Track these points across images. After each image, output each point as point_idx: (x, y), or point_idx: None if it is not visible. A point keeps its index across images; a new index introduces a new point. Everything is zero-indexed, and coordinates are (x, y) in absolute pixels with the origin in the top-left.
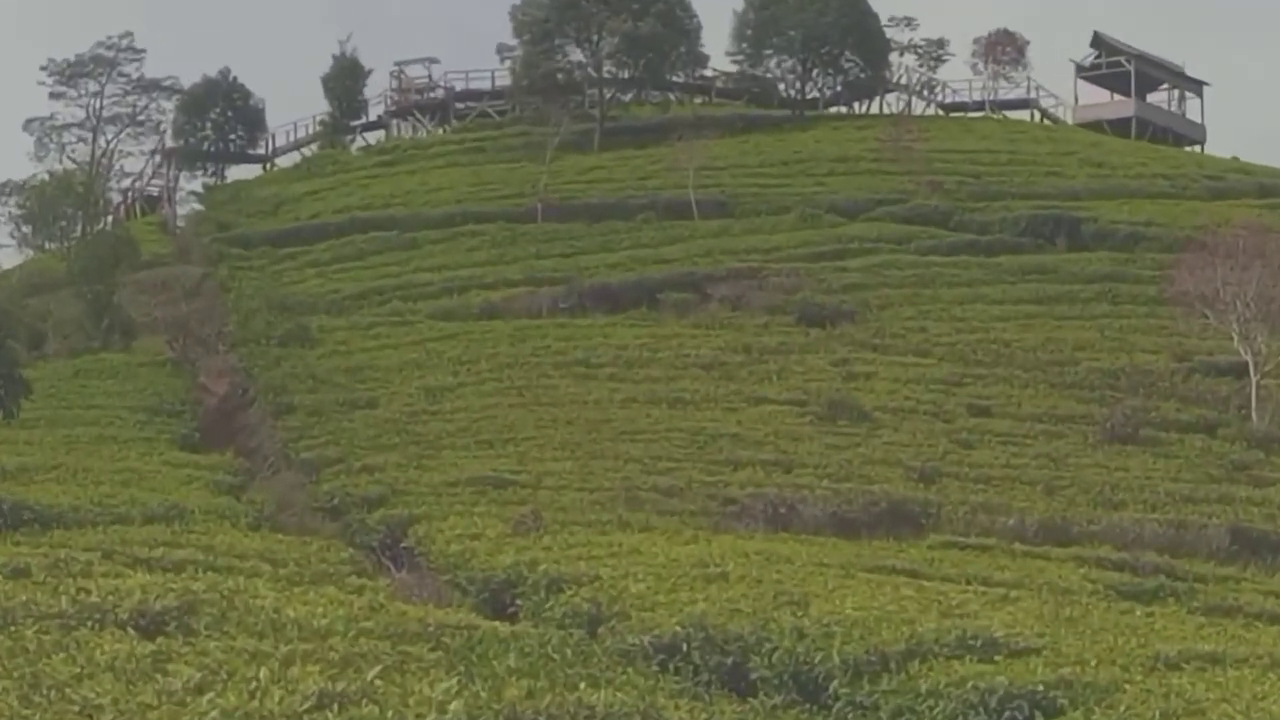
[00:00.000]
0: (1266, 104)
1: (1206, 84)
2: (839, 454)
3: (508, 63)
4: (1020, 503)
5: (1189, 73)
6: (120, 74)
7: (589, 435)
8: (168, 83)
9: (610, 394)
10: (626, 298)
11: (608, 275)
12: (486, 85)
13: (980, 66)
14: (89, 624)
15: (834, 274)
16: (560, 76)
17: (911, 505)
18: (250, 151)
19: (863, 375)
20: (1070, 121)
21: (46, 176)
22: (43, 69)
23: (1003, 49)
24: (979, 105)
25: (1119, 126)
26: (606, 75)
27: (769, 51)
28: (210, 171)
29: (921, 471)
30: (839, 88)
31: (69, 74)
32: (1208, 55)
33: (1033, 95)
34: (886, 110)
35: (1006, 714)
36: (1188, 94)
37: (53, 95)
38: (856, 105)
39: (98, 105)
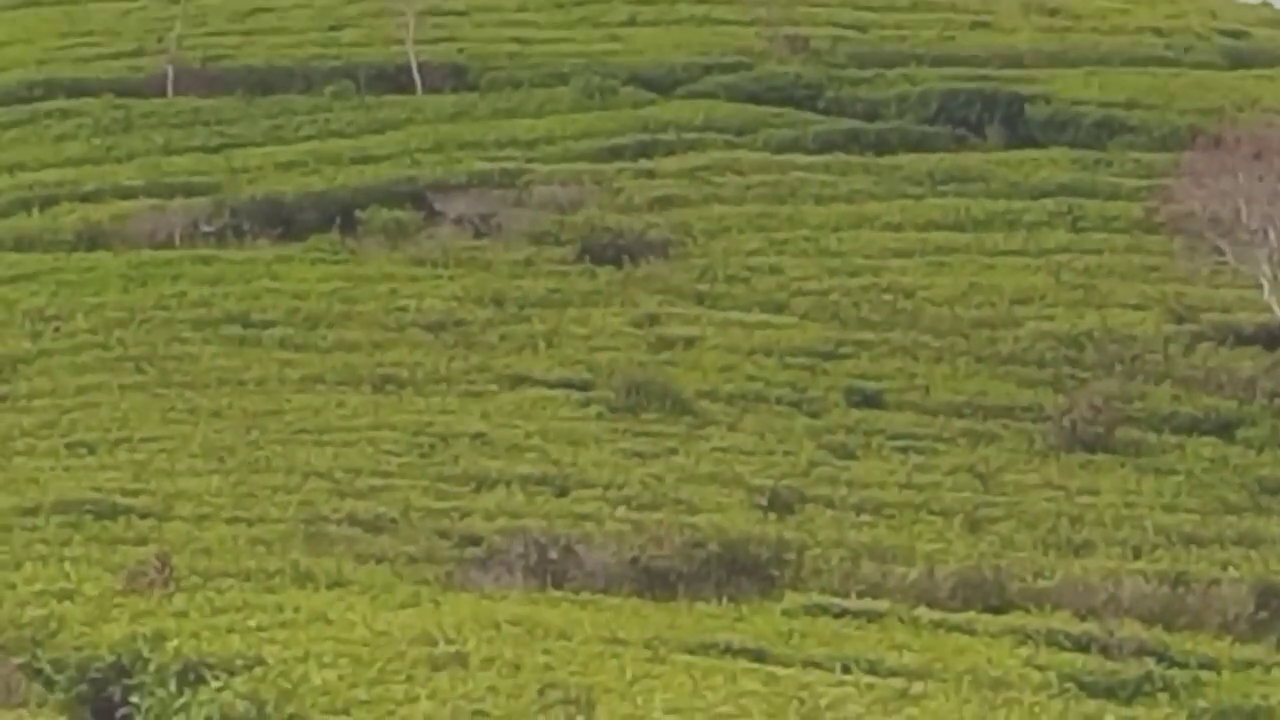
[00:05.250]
0: None
1: None
2: (643, 467)
3: None
4: (929, 544)
5: None
6: None
7: (248, 436)
8: None
9: (282, 370)
10: (308, 218)
11: (278, 182)
12: None
13: None
14: None
15: (636, 182)
16: None
17: (758, 548)
18: None
19: (681, 342)
20: None
21: None
22: None
23: None
24: None
25: None
26: None
27: None
28: None
29: (774, 495)
30: None
31: None
32: None
33: None
34: None
35: None
36: None
37: None
38: None
39: None
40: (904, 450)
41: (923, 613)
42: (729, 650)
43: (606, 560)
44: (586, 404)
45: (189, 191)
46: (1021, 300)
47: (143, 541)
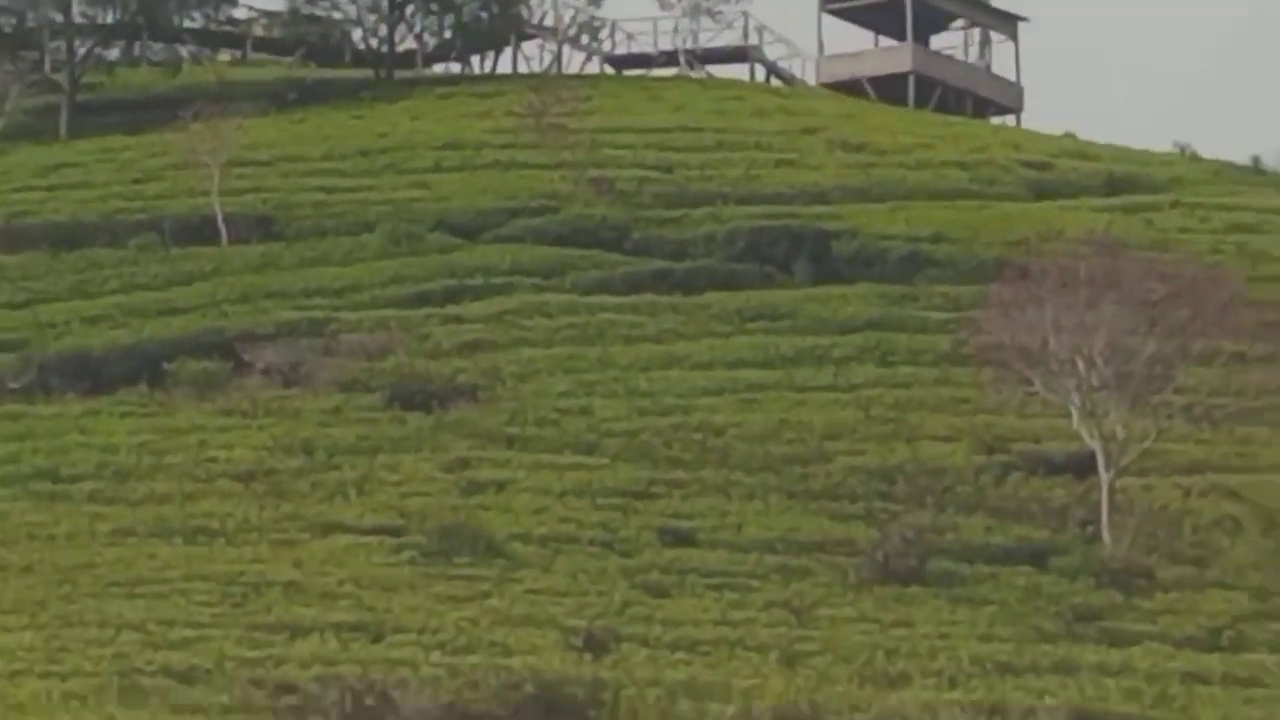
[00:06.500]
0: (1115, 44)
1: (1023, 19)
2: (457, 611)
3: None
4: (745, 681)
5: (995, 2)
6: None
7: (59, 590)
8: None
9: (92, 524)
10: (116, 371)
11: (85, 336)
12: None
13: None
14: None
15: (444, 328)
16: (4, 24)
17: (574, 689)
18: None
19: (492, 486)
20: (812, 82)
21: None
22: None
23: None
24: (669, 59)
25: (889, 88)
26: (80, 20)
27: None
28: None
29: (588, 636)
30: (448, 34)
31: None
32: None
33: (753, 42)
34: (525, 69)
35: None
36: (995, 36)
37: None
38: (476, 61)
39: None
40: (718, 588)
41: None
42: None
43: (423, 705)
44: (399, 550)
45: None
46: (832, 435)
47: None
